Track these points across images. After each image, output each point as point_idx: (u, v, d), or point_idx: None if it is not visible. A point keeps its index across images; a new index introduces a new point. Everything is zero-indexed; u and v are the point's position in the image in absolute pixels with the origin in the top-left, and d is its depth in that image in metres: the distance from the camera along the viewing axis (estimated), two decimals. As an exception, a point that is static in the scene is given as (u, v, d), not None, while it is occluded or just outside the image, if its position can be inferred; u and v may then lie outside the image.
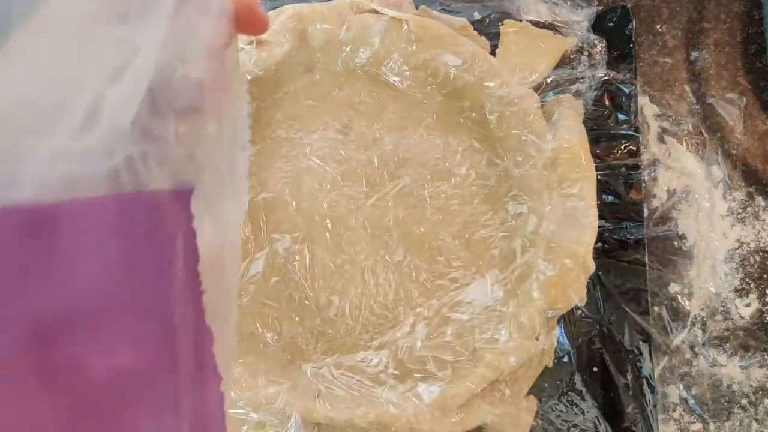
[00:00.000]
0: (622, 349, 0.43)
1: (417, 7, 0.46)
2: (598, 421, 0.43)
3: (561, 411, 0.43)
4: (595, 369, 0.44)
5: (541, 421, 0.43)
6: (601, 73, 0.45)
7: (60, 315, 0.18)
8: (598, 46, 0.45)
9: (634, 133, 0.45)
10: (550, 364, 0.43)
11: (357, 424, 0.41)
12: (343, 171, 0.44)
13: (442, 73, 0.44)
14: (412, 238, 0.44)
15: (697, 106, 0.49)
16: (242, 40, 0.44)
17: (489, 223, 0.44)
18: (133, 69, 0.19)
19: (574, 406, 0.43)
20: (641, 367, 0.42)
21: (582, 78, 0.47)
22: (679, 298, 0.47)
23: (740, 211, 0.48)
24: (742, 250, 0.47)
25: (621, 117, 0.45)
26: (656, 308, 0.46)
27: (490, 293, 0.43)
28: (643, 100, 0.49)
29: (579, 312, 0.44)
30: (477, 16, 0.50)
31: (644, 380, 0.41)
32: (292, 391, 0.41)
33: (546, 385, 0.43)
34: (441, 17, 0.45)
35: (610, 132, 0.45)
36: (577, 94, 0.46)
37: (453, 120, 0.45)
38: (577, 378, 0.44)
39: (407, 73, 0.44)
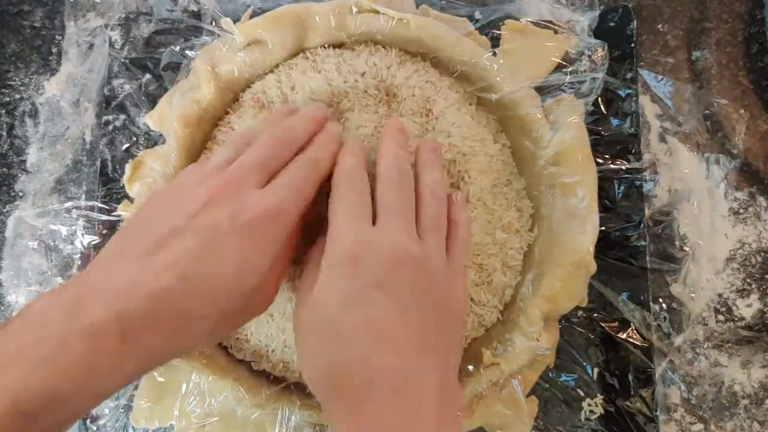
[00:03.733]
0: (623, 349, 0.43)
1: (417, 7, 0.46)
2: (598, 421, 0.43)
3: (562, 411, 0.43)
4: (595, 369, 0.44)
5: (541, 422, 0.43)
6: (602, 73, 0.45)
7: None
8: (600, 51, 0.45)
9: (635, 133, 0.45)
10: (552, 365, 0.43)
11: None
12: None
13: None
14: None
15: (698, 106, 0.49)
16: (238, 42, 0.44)
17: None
18: None
19: (574, 407, 0.43)
20: (642, 368, 0.42)
21: (583, 78, 0.47)
22: (680, 298, 0.47)
23: (741, 211, 0.48)
24: (744, 250, 0.47)
25: (622, 117, 0.45)
26: (657, 308, 0.46)
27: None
28: (643, 100, 0.49)
29: (580, 312, 0.44)
30: (478, 15, 0.50)
31: (645, 381, 0.41)
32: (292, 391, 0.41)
33: (547, 385, 0.43)
34: (442, 17, 0.45)
35: (611, 132, 0.45)
36: (578, 94, 0.45)
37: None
38: (578, 379, 0.44)
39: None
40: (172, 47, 0.47)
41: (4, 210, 0.49)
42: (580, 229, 0.41)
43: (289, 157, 0.34)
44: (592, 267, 0.41)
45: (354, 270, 0.30)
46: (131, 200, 0.45)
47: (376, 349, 0.28)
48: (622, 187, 0.44)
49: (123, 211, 0.44)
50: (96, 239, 0.46)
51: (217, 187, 0.31)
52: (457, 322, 0.33)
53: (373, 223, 0.32)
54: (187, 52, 0.46)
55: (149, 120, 0.46)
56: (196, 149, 0.45)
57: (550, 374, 0.43)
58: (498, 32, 0.46)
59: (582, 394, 0.43)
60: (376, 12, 0.44)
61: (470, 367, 0.41)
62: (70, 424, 0.28)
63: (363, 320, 0.29)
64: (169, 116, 0.44)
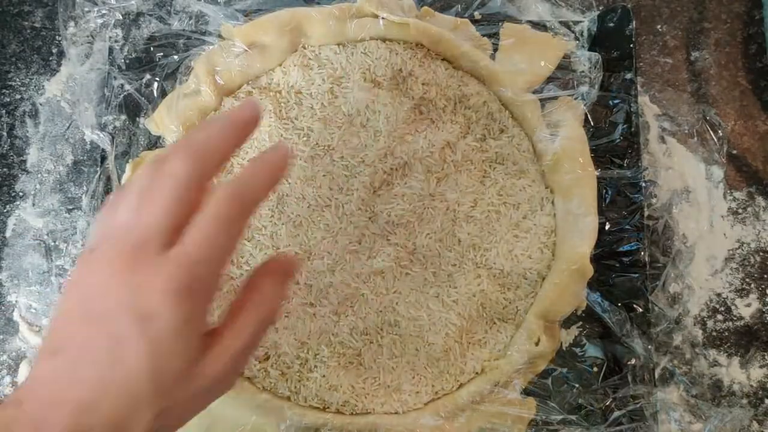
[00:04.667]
0: (623, 349, 0.43)
1: (419, 8, 0.46)
2: (599, 421, 0.43)
3: (560, 412, 0.43)
4: (595, 369, 0.44)
5: (540, 422, 0.43)
6: (597, 86, 0.45)
7: None
8: (594, 62, 0.45)
9: (635, 133, 0.45)
10: (550, 367, 0.43)
11: (356, 426, 0.41)
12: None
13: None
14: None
15: (698, 106, 0.49)
16: (237, 45, 0.45)
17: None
18: None
19: (574, 407, 0.43)
20: (642, 368, 0.42)
21: (582, 79, 0.47)
22: (680, 298, 0.47)
23: (740, 211, 0.48)
24: (743, 250, 0.47)
25: (621, 117, 0.45)
26: (656, 308, 0.46)
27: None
28: (643, 100, 0.49)
29: (579, 314, 0.44)
30: (478, 16, 0.50)
31: (644, 380, 0.41)
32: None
33: (547, 386, 0.43)
34: (443, 19, 0.45)
35: (610, 132, 0.46)
36: (578, 95, 0.46)
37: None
38: (578, 379, 0.44)
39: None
40: (174, 56, 0.47)
41: (4, 210, 0.49)
42: (579, 233, 0.41)
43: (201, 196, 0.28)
44: (590, 271, 0.41)
45: None
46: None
47: None
48: (622, 188, 0.44)
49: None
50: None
51: (113, 270, 0.26)
52: None
53: None
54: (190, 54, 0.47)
55: (149, 124, 0.46)
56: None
57: (550, 373, 0.43)
58: (497, 31, 0.46)
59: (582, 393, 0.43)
60: (377, 16, 0.44)
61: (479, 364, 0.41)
62: None
63: None
64: (169, 120, 0.45)
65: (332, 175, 0.42)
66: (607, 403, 0.43)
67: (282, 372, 0.42)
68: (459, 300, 0.42)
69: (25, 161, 0.50)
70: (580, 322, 0.44)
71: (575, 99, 0.45)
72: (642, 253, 0.44)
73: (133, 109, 0.47)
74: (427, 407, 0.41)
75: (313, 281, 0.42)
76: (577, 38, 0.48)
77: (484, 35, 0.46)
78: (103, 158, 0.47)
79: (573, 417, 0.43)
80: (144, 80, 0.48)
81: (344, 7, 0.44)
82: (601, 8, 0.50)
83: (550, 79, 0.46)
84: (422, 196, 0.43)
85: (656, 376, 0.44)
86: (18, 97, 0.50)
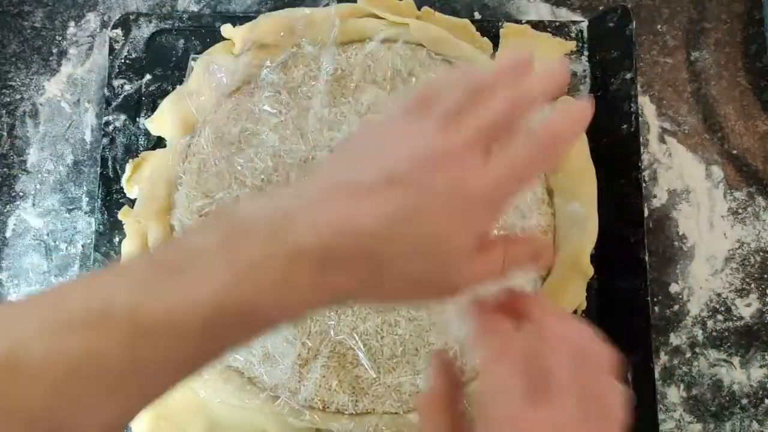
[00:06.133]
0: (623, 349, 0.43)
1: (419, 8, 0.46)
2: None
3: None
4: (595, 369, 0.44)
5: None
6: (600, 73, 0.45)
7: None
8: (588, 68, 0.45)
9: (635, 134, 0.45)
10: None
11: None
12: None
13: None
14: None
15: (698, 106, 0.49)
16: (237, 45, 0.45)
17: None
18: None
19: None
20: (641, 368, 0.42)
21: (582, 79, 0.48)
22: (680, 298, 0.47)
23: (740, 211, 0.48)
24: (743, 250, 0.47)
25: (621, 117, 0.45)
26: (656, 308, 0.46)
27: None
28: (643, 100, 0.49)
29: (579, 314, 0.44)
30: (477, 16, 0.50)
31: (644, 380, 0.41)
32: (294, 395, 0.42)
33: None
34: (443, 20, 0.45)
35: (610, 133, 0.46)
36: (578, 95, 0.46)
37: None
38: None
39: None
40: (174, 56, 0.47)
41: (5, 210, 0.49)
42: (579, 233, 0.41)
43: (517, 127, 0.31)
44: (590, 271, 0.41)
45: None
46: (131, 205, 0.45)
47: None
48: (622, 188, 0.44)
49: (123, 217, 0.44)
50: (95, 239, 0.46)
51: (446, 148, 0.29)
52: None
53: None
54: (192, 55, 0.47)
55: (149, 125, 0.46)
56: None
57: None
58: (497, 32, 0.46)
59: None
60: (377, 17, 0.44)
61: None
62: (255, 337, 0.28)
63: None
64: (169, 120, 0.45)
65: (332, 175, 0.42)
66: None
67: (282, 372, 0.42)
68: (459, 300, 0.42)
69: (25, 161, 0.50)
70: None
71: (576, 97, 0.45)
72: (642, 253, 0.44)
73: (133, 109, 0.47)
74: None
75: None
76: (576, 39, 0.48)
77: (484, 35, 0.46)
78: (103, 158, 0.47)
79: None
80: (144, 80, 0.48)
81: (344, 8, 0.44)
82: (601, 8, 0.50)
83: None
84: None
85: (656, 376, 0.44)
86: (18, 97, 0.50)
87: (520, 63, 0.32)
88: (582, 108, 0.31)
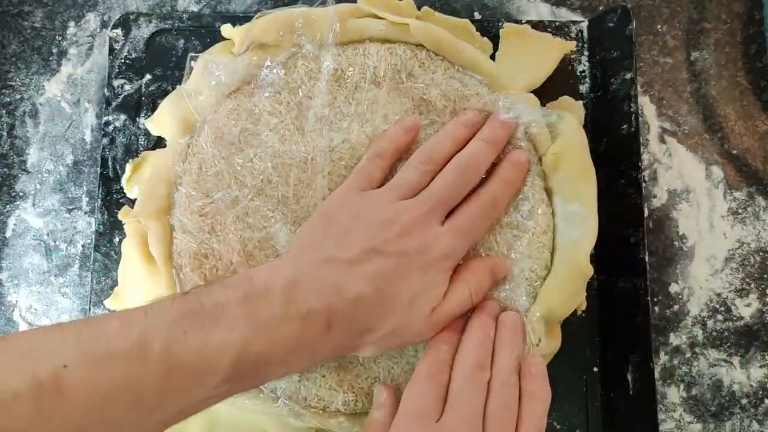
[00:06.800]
0: (623, 349, 0.43)
1: (419, 8, 0.46)
2: (599, 421, 0.43)
3: (561, 412, 0.43)
4: (595, 369, 0.44)
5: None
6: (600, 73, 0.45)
7: None
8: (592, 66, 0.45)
9: (635, 134, 0.45)
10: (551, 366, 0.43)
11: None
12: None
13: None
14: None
15: (698, 106, 0.49)
16: (237, 45, 0.45)
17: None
18: None
19: (574, 407, 0.44)
20: (641, 367, 0.42)
21: (582, 79, 0.48)
22: (680, 298, 0.47)
23: (740, 211, 0.48)
24: (743, 250, 0.47)
25: (621, 117, 0.45)
26: (656, 308, 0.46)
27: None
28: (643, 100, 0.49)
29: (579, 314, 0.44)
30: (477, 16, 0.50)
31: (644, 380, 0.41)
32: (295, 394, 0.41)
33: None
34: (443, 20, 0.45)
35: (610, 133, 0.46)
36: (578, 95, 0.46)
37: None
38: (578, 379, 0.44)
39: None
40: (174, 56, 0.47)
41: (5, 210, 0.49)
42: (579, 233, 0.41)
43: (468, 191, 0.39)
44: (590, 271, 0.41)
45: None
46: (131, 205, 0.45)
47: None
48: (622, 188, 0.44)
49: (123, 217, 0.44)
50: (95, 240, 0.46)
51: (411, 220, 0.36)
52: None
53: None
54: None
55: (149, 125, 0.46)
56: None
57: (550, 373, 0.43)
58: (497, 32, 0.46)
59: (582, 393, 0.43)
60: (377, 17, 0.44)
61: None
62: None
63: None
64: (169, 120, 0.45)
65: (332, 176, 0.42)
66: (607, 403, 0.43)
67: None
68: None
69: (25, 161, 0.50)
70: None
71: (576, 97, 0.45)
72: (642, 253, 0.44)
73: (133, 109, 0.47)
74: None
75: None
76: (576, 39, 0.48)
77: (484, 35, 0.46)
78: (103, 158, 0.47)
79: (573, 417, 0.43)
80: (144, 80, 0.48)
81: (344, 8, 0.44)
82: (600, 8, 0.50)
83: (550, 79, 0.46)
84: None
85: (656, 376, 0.44)
86: (18, 97, 0.50)
87: (468, 124, 0.41)
88: (517, 165, 0.40)
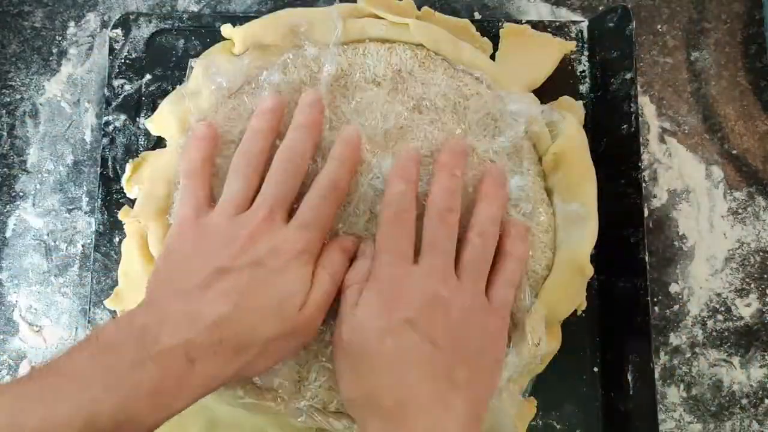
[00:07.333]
0: (622, 349, 0.43)
1: (419, 8, 0.46)
2: (599, 421, 0.43)
3: (561, 412, 0.43)
4: (595, 369, 0.44)
5: (540, 422, 0.43)
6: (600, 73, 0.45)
7: None
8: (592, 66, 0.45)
9: (635, 134, 0.45)
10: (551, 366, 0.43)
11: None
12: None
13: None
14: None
15: (698, 106, 0.49)
16: (237, 45, 0.45)
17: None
18: None
19: (574, 407, 0.44)
20: (641, 367, 0.42)
21: (582, 79, 0.48)
22: (680, 298, 0.47)
23: (740, 211, 0.48)
24: (743, 250, 0.47)
25: (621, 117, 0.45)
26: (656, 308, 0.46)
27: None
28: (643, 100, 0.49)
29: (579, 314, 0.44)
30: (477, 16, 0.50)
31: (644, 380, 0.41)
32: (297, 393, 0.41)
33: (547, 386, 0.43)
34: (443, 20, 0.45)
35: (610, 133, 0.46)
36: (578, 95, 0.46)
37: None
38: (578, 379, 0.44)
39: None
40: (174, 56, 0.47)
41: (5, 210, 0.49)
42: (579, 233, 0.41)
43: (301, 180, 0.38)
44: (590, 271, 0.41)
45: (391, 305, 0.34)
46: (131, 205, 0.45)
47: (406, 375, 0.32)
48: (622, 188, 0.44)
49: (123, 217, 0.44)
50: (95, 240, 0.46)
51: (253, 229, 0.35)
52: (488, 357, 0.36)
53: (416, 253, 0.36)
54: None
55: (149, 125, 0.46)
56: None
57: (550, 373, 0.43)
58: (497, 32, 0.46)
59: (582, 393, 0.43)
60: (377, 17, 0.44)
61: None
62: None
63: (395, 350, 0.33)
64: (169, 120, 0.44)
65: (332, 176, 0.42)
66: (608, 403, 0.43)
67: (282, 372, 0.42)
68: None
69: (25, 161, 0.50)
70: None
71: (576, 96, 0.45)
72: (642, 253, 0.44)
73: (133, 109, 0.47)
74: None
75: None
76: (576, 39, 0.48)
77: (484, 35, 0.46)
78: (103, 158, 0.47)
79: (573, 417, 0.43)
80: (144, 80, 0.48)
81: (344, 8, 0.44)
82: (600, 8, 0.50)
83: (550, 79, 0.46)
84: (421, 195, 0.43)
85: (656, 376, 0.44)
86: (18, 97, 0.50)
87: (266, 114, 0.40)
88: (350, 143, 0.40)
